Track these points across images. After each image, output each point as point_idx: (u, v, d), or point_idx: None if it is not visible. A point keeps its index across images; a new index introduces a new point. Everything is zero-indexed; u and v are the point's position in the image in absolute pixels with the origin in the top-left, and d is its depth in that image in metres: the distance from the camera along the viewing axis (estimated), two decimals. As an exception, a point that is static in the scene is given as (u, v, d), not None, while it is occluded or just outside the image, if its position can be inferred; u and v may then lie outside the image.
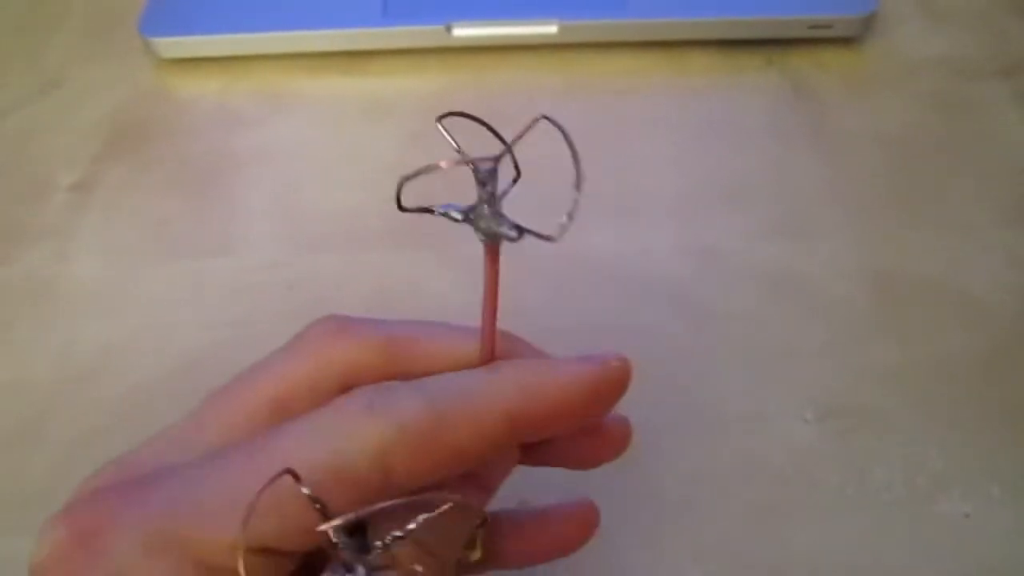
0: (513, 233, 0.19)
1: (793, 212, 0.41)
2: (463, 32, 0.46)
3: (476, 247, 0.20)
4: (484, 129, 0.19)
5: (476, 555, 0.23)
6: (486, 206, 0.19)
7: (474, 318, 0.36)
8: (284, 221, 0.41)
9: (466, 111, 0.19)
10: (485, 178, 0.18)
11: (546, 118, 0.18)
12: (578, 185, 0.18)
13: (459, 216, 0.19)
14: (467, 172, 0.19)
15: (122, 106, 0.47)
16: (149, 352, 0.37)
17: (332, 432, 0.19)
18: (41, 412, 0.35)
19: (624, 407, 0.34)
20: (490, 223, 0.19)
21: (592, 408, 0.22)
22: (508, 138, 0.18)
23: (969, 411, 0.34)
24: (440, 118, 0.19)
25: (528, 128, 0.18)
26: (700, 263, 0.39)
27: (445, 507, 0.17)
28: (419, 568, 0.19)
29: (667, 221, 0.41)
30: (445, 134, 0.19)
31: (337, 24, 0.47)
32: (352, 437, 0.19)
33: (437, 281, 0.38)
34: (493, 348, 0.21)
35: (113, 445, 0.34)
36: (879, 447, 0.33)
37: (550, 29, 0.47)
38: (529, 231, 0.18)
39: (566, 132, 0.17)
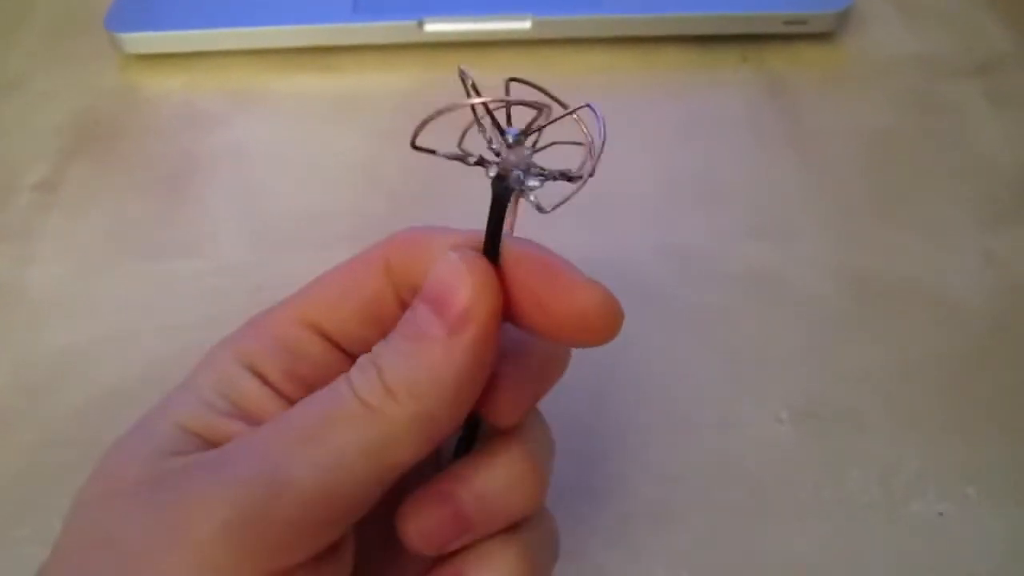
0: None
1: (769, 211, 0.40)
2: (435, 28, 0.46)
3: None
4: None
5: None
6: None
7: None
8: (252, 221, 0.41)
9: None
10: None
11: (589, 107, 0.19)
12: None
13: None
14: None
15: (87, 104, 0.46)
16: (113, 357, 0.36)
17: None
18: (1, 419, 0.34)
19: (599, 407, 0.34)
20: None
21: None
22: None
23: (944, 412, 0.34)
24: (509, 82, 0.20)
25: (570, 112, 0.19)
26: (675, 263, 0.38)
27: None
28: None
29: (642, 220, 0.40)
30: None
31: (307, 20, 0.46)
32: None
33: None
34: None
35: (75, 452, 0.33)
36: (854, 448, 0.33)
37: (524, 25, 0.46)
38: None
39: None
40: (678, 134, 0.44)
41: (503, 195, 0.20)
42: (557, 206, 0.19)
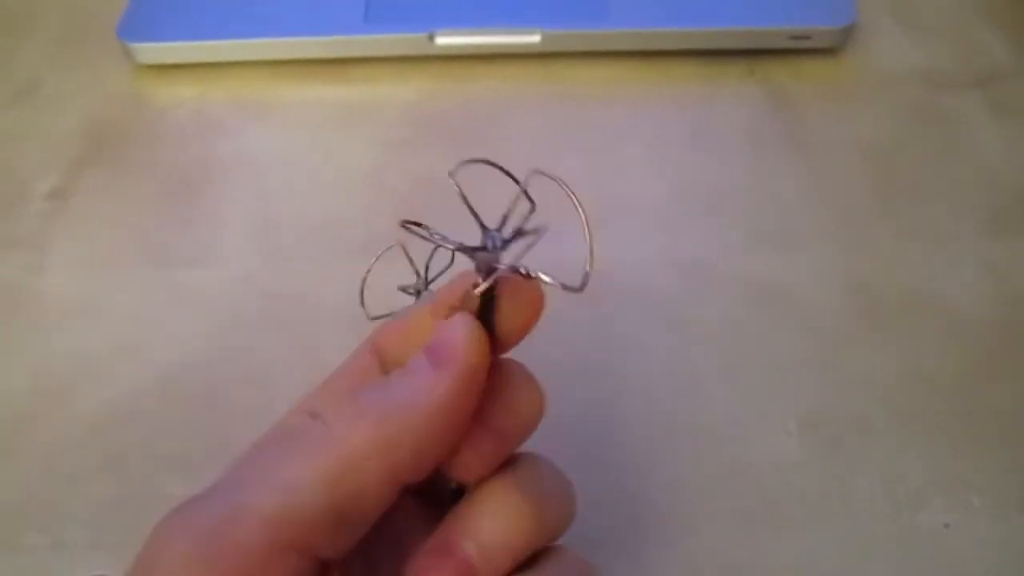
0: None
1: (774, 222, 0.41)
2: (446, 40, 0.46)
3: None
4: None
5: None
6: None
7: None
8: (262, 230, 0.41)
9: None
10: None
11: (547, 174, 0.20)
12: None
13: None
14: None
15: (99, 113, 0.46)
16: (125, 364, 0.36)
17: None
18: (15, 426, 0.34)
19: (607, 419, 0.34)
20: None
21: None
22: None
23: (950, 421, 0.34)
24: (452, 172, 0.20)
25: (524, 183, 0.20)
26: (681, 274, 0.39)
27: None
28: None
29: (648, 231, 0.41)
30: (458, 189, 0.20)
31: (318, 31, 0.47)
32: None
33: (419, 291, 0.38)
34: None
35: (89, 460, 0.33)
36: (861, 458, 0.33)
37: (533, 38, 0.46)
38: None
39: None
40: (685, 146, 0.44)
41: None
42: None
